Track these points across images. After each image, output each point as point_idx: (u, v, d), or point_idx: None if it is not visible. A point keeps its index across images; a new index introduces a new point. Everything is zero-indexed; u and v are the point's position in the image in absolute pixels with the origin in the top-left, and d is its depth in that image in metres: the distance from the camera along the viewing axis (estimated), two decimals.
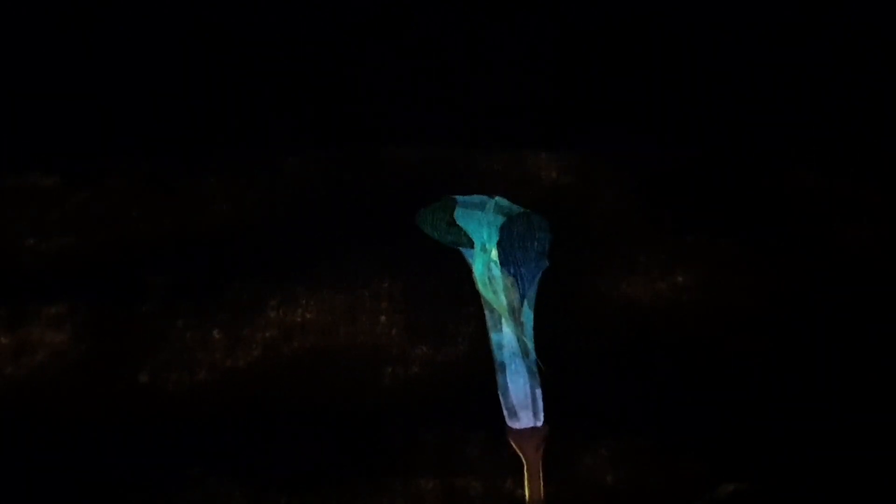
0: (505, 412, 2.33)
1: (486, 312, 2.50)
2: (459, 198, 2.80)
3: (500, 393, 2.35)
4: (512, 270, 2.57)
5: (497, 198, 2.81)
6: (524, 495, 2.20)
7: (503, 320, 2.46)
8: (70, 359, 2.41)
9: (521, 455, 2.25)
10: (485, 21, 3.25)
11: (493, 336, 2.44)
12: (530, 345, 2.41)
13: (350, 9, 3.22)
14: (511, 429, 2.30)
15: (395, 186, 2.88)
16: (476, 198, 2.81)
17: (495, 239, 2.63)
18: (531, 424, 2.30)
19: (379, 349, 2.48)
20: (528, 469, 2.23)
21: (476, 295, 2.52)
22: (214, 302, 2.54)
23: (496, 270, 2.57)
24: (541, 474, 2.22)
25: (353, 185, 2.89)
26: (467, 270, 2.57)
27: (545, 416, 2.31)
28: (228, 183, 2.85)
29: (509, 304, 2.49)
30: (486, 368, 2.41)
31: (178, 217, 2.76)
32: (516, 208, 2.77)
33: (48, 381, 2.37)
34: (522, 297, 2.51)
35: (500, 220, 2.71)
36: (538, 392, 2.35)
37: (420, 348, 2.50)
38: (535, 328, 2.44)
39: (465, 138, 3.04)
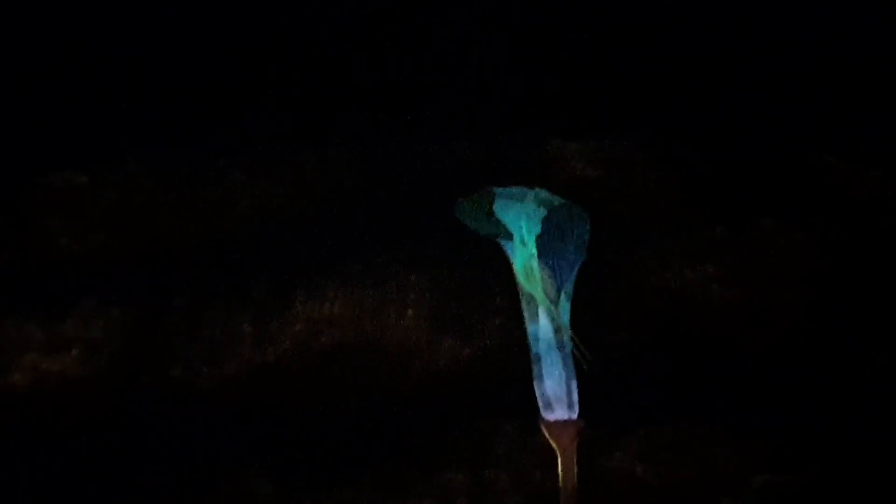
0: (540, 404, 2.29)
1: (524, 304, 2.47)
2: (499, 189, 2.78)
3: (535, 385, 2.32)
4: (550, 262, 2.53)
5: (537, 189, 2.78)
6: (554, 487, 2.16)
7: (540, 312, 2.42)
8: (103, 354, 2.46)
9: (555, 447, 2.21)
10: (514, 13, 3.24)
11: (530, 328, 2.41)
12: (567, 337, 2.37)
13: (375, 5, 3.23)
14: (546, 420, 2.26)
15: (421, 181, 2.88)
16: (516, 189, 2.77)
17: (534, 231, 2.60)
18: (566, 417, 2.26)
19: (406, 342, 2.48)
20: (562, 461, 2.19)
21: (503, 287, 2.50)
22: (243, 297, 2.57)
23: (534, 262, 2.54)
24: (575, 466, 2.18)
25: (379, 180, 2.90)
26: (495, 263, 2.54)
27: (579, 409, 2.27)
28: (256, 179, 2.89)
29: (547, 295, 2.46)
30: (513, 361, 2.38)
31: (207, 214, 2.81)
32: (557, 200, 2.73)
33: (82, 376, 2.42)
34: (559, 289, 2.47)
35: (541, 211, 2.67)
36: (573, 384, 2.32)
37: (447, 341, 2.49)
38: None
39: (492, 131, 3.03)
